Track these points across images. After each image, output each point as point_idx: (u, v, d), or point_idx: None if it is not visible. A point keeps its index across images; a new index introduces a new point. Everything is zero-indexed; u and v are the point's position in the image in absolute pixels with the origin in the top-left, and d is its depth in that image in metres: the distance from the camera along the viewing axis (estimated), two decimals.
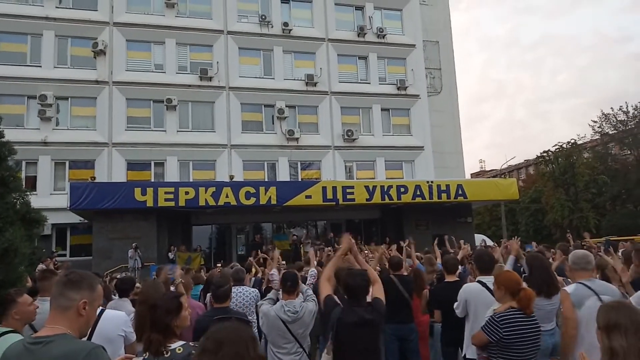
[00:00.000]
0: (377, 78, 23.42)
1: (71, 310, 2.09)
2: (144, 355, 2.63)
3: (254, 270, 8.38)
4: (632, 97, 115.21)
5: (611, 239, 18.26)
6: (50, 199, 17.62)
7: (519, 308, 3.59)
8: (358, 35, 23.34)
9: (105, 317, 3.41)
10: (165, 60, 20.72)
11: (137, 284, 5.72)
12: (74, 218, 16.85)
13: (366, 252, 11.30)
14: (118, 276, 9.35)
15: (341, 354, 3.51)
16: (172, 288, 4.97)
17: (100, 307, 3.52)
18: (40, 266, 12.49)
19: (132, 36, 20.40)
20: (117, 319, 3.51)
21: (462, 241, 7.93)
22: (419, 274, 6.38)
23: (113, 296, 5.71)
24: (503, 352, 3.61)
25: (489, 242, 20.07)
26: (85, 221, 17.10)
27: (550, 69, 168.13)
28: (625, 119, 38.23)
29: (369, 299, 3.80)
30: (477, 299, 4.49)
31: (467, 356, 4.77)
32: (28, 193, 7.48)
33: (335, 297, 3.82)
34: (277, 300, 4.65)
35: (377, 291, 3.82)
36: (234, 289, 5.88)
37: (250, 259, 8.95)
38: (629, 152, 39.19)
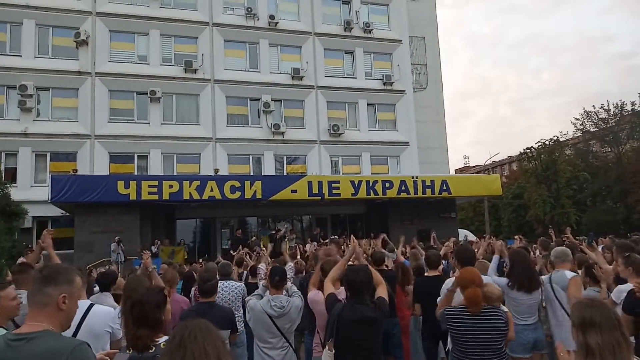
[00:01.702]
0: (363, 73, 23.42)
1: (50, 306, 2.04)
2: (128, 351, 2.60)
3: (245, 263, 8.31)
4: (614, 95, 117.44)
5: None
6: (30, 191, 17.32)
7: (466, 305, 3.64)
8: (344, 30, 23.29)
9: (94, 312, 3.37)
10: (149, 51, 20.41)
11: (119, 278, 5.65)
12: (55, 211, 16.57)
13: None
14: (96, 269, 9.21)
15: (342, 351, 3.52)
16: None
17: (89, 302, 3.48)
18: (21, 259, 12.28)
19: (115, 26, 20.04)
20: (105, 315, 3.47)
21: (452, 239, 7.99)
22: (405, 269, 6.43)
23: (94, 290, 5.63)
24: (454, 343, 3.78)
25: (472, 237, 20.30)
26: (67, 214, 16.82)
27: (534, 67, 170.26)
28: (607, 116, 38.90)
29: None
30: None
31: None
32: (8, 185, 7.36)
33: (336, 295, 3.85)
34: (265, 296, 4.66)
35: (381, 291, 3.86)
36: (220, 284, 5.86)
37: (241, 253, 8.89)
38: (609, 150, 39.91)
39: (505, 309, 4.13)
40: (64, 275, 2.13)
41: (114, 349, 3.01)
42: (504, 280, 4.93)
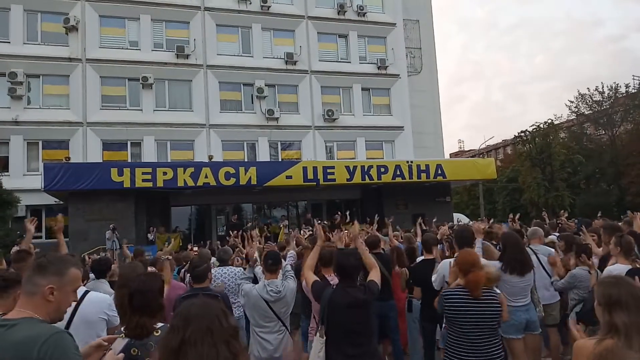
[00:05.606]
0: (357, 57, 23.23)
1: (37, 295, 2.00)
2: (121, 335, 2.58)
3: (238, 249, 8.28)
4: (606, 79, 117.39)
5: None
6: (23, 180, 17.21)
7: (466, 288, 3.63)
8: (338, 13, 23.03)
9: (88, 300, 3.35)
10: (140, 37, 20.14)
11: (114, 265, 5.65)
12: (49, 199, 16.47)
13: (345, 231, 11.30)
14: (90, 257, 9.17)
15: (334, 336, 3.49)
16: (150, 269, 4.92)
17: (84, 289, 3.46)
18: (15, 248, 12.24)
19: (105, 12, 19.72)
20: (100, 302, 3.45)
21: (446, 224, 8.00)
22: (400, 252, 6.45)
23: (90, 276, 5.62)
24: (449, 325, 3.77)
25: (466, 221, 20.36)
26: (60, 202, 16.74)
27: (526, 52, 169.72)
28: (601, 99, 38.88)
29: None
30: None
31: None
32: (0, 174, 7.30)
33: (321, 281, 3.85)
34: (254, 276, 4.66)
35: (374, 275, 3.84)
36: (219, 270, 5.87)
37: (235, 239, 8.87)
38: (603, 132, 39.98)
39: (497, 290, 4.15)
40: (55, 266, 2.08)
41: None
42: (496, 263, 4.93)
